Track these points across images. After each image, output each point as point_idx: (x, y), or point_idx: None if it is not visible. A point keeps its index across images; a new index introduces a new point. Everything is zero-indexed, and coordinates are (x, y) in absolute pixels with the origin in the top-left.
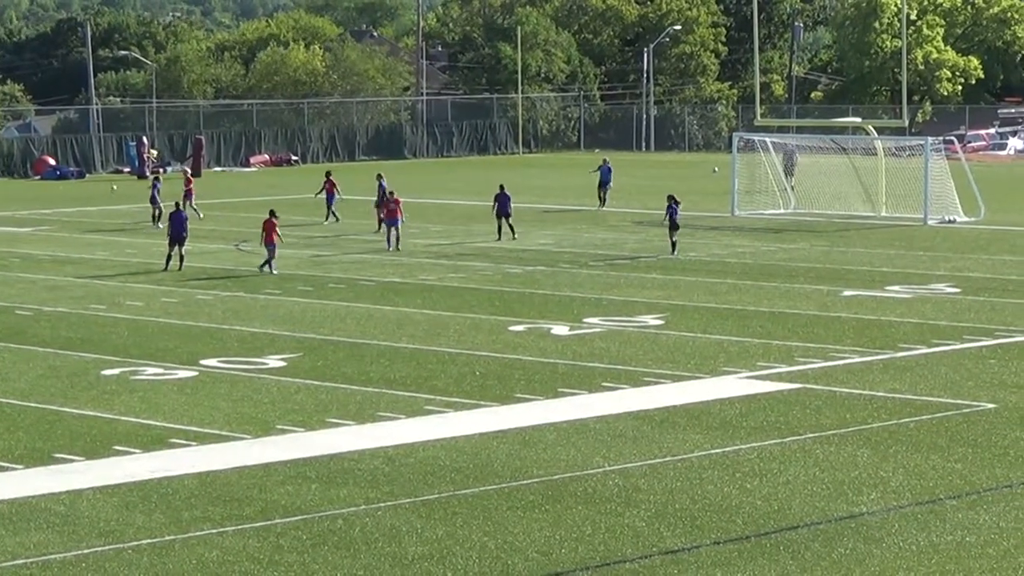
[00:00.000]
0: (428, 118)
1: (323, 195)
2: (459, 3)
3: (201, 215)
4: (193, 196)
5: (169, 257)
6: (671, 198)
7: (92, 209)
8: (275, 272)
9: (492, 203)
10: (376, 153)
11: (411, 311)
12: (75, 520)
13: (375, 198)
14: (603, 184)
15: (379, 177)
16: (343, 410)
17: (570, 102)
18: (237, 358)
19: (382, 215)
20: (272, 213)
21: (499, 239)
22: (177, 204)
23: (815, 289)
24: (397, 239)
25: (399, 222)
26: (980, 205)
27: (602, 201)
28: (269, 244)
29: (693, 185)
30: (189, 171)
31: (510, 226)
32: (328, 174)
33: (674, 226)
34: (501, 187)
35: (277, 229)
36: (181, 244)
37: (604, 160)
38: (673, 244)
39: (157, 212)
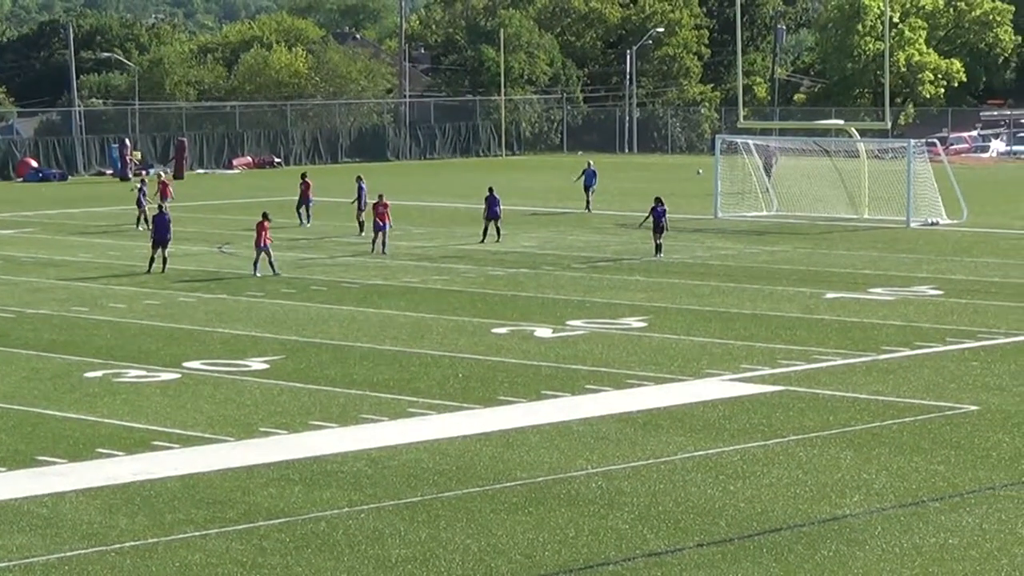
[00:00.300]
0: (411, 120)
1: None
2: (442, 5)
3: None
4: (168, 199)
5: (152, 259)
6: (658, 200)
7: (75, 211)
8: (258, 274)
9: (483, 206)
10: (359, 155)
11: (394, 313)
12: (58, 523)
13: (352, 200)
14: (587, 187)
15: (359, 179)
16: (326, 412)
17: (553, 104)
18: (220, 360)
19: (361, 218)
20: (265, 216)
21: (483, 241)
22: (160, 206)
23: (798, 291)
24: (384, 244)
25: (387, 227)
26: (963, 207)
27: (588, 205)
28: (260, 246)
29: (676, 187)
30: (163, 175)
31: (497, 228)
32: (303, 176)
33: (659, 228)
34: (490, 189)
35: (267, 233)
36: (164, 246)
37: (588, 163)
38: (658, 246)
39: (140, 214)
